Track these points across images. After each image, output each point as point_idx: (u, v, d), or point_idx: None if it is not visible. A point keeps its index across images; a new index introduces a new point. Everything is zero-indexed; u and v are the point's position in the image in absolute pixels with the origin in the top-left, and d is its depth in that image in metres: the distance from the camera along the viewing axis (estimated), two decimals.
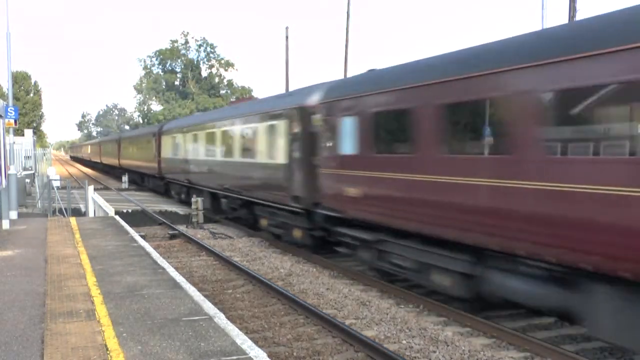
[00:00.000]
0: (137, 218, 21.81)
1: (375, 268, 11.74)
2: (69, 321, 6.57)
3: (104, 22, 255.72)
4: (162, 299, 7.58)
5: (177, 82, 78.92)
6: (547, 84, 7.16)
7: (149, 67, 79.58)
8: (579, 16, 19.76)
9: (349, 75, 33.28)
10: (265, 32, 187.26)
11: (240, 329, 6.99)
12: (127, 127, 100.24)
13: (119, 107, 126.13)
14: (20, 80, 72.77)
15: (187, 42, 77.68)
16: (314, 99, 13.53)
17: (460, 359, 7.80)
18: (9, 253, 11.06)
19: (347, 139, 11.71)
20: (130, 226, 15.22)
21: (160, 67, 79.52)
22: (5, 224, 14.93)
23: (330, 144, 12.44)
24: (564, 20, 21.70)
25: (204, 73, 78.91)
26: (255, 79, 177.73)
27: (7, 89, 20.02)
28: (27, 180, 30.68)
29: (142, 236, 13.71)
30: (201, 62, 78.83)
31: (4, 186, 16.54)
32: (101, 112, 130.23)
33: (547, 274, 7.67)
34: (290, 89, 41.30)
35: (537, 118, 7.31)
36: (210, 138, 21.96)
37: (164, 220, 21.34)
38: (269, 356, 5.66)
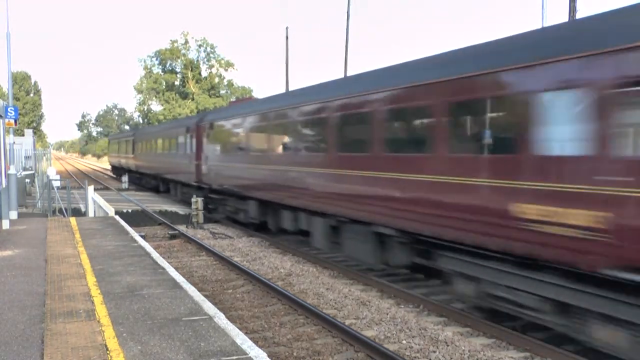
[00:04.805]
0: (137, 218, 21.83)
1: None
2: (69, 321, 6.57)
3: (104, 22, 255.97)
4: (162, 299, 7.58)
5: (177, 82, 78.88)
6: None
7: (149, 67, 79.58)
8: (579, 16, 19.74)
9: (349, 74, 31.25)
10: (265, 32, 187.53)
11: (240, 329, 6.99)
12: (127, 127, 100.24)
13: (119, 107, 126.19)
14: (20, 80, 72.83)
15: (187, 42, 77.61)
16: None
17: (460, 359, 7.80)
18: (9, 253, 11.06)
19: None
20: (130, 226, 15.22)
21: (160, 67, 79.51)
22: (5, 224, 14.93)
23: None
24: (564, 20, 21.63)
25: (204, 73, 78.85)
26: (255, 79, 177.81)
27: (7, 89, 20.05)
28: (27, 180, 30.68)
29: (142, 236, 13.71)
30: (201, 62, 78.80)
31: (4, 186, 16.54)
32: (101, 112, 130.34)
33: None
34: (291, 89, 37.16)
35: None
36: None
37: (164, 220, 21.35)
38: (269, 356, 5.66)
